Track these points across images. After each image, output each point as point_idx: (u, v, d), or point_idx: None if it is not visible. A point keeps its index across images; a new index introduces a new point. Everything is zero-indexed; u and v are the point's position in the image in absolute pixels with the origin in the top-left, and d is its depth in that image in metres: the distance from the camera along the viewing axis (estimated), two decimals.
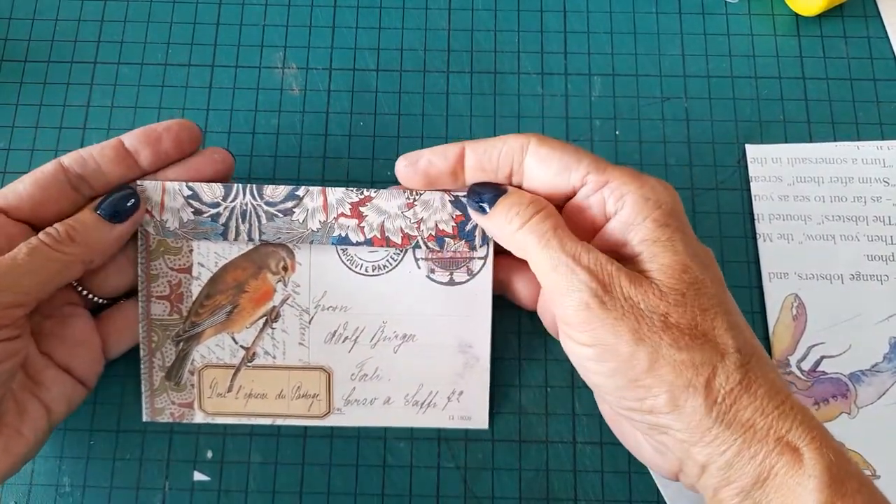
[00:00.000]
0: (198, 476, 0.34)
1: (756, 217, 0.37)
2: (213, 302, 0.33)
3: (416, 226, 0.32)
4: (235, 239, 0.32)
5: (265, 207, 0.32)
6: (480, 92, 0.40)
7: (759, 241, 0.37)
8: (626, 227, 0.28)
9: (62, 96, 0.39)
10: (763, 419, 0.25)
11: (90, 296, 0.32)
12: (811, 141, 0.39)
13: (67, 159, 0.31)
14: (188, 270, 0.33)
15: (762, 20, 0.41)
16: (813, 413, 0.26)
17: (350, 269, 0.33)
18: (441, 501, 0.34)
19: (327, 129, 0.39)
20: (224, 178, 0.33)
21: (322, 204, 0.32)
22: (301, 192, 0.32)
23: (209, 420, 0.34)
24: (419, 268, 0.33)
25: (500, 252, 0.32)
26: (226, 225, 0.32)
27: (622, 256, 0.28)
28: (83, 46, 0.40)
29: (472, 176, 0.31)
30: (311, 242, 0.32)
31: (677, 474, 0.28)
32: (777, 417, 0.25)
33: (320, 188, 0.32)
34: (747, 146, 0.39)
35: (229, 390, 0.33)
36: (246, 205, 0.32)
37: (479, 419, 0.34)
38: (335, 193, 0.32)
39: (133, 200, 0.31)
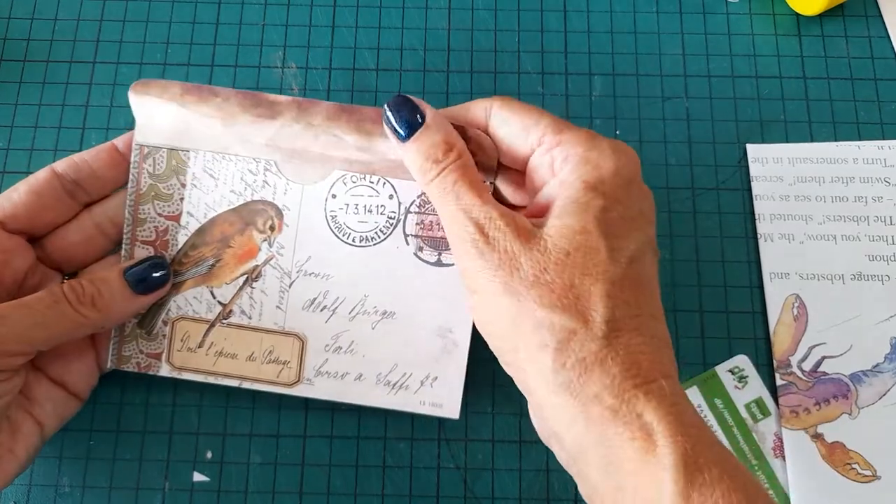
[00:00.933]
0: (197, 476, 0.34)
1: (757, 217, 0.37)
2: (197, 253, 0.33)
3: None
4: (229, 189, 0.32)
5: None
6: (481, 91, 0.40)
7: (760, 241, 0.37)
8: (560, 185, 0.27)
9: (61, 96, 0.39)
10: (613, 397, 0.24)
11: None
12: (812, 141, 0.39)
13: (61, 165, 0.31)
14: (177, 218, 0.33)
15: (763, 20, 0.41)
16: (681, 398, 0.25)
17: (337, 236, 0.32)
18: (441, 501, 0.34)
19: None
20: None
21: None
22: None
23: (174, 374, 0.33)
24: (407, 244, 0.32)
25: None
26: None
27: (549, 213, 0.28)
28: (82, 46, 0.40)
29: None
30: (304, 193, 0.32)
31: (548, 441, 0.28)
32: (631, 398, 0.24)
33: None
34: (748, 146, 0.39)
35: (200, 346, 0.33)
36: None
37: (450, 408, 0.33)
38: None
39: (162, 273, 0.31)
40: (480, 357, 0.35)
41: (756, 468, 0.34)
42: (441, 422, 0.35)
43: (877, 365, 0.35)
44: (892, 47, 0.40)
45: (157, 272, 0.31)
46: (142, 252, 0.32)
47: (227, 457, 0.34)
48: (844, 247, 0.37)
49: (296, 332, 0.33)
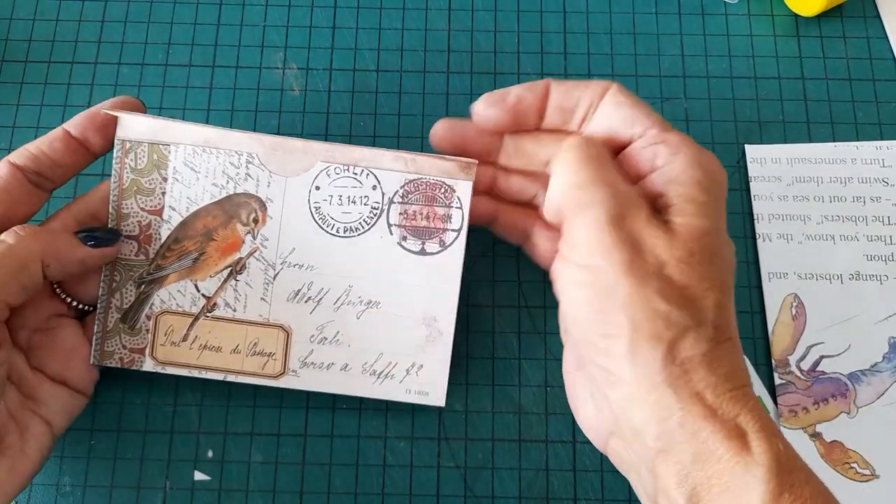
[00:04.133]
0: (198, 476, 0.34)
1: (755, 217, 0.37)
2: (180, 247, 0.33)
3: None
4: (211, 182, 0.32)
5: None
6: (480, 92, 0.39)
7: (759, 241, 0.37)
8: (668, 180, 0.28)
9: (63, 97, 0.39)
10: (714, 397, 0.25)
11: (74, 302, 0.32)
12: (810, 141, 0.39)
13: (18, 158, 0.30)
14: (159, 213, 0.33)
15: (761, 21, 0.41)
16: (760, 406, 0.26)
17: (321, 227, 0.33)
18: (441, 501, 0.34)
19: (328, 129, 0.39)
20: None
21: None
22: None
23: (158, 369, 0.33)
24: (391, 234, 0.33)
25: (523, 202, 0.33)
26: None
27: (655, 207, 0.28)
28: (84, 47, 0.40)
29: (551, 115, 0.31)
30: (287, 185, 0.32)
31: (607, 440, 0.28)
32: (729, 400, 0.25)
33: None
34: (747, 146, 0.39)
35: (184, 339, 0.33)
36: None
37: (436, 396, 0.33)
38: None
39: (113, 238, 0.31)
40: (480, 356, 0.36)
41: None
42: (441, 421, 0.35)
43: (875, 364, 0.35)
44: (891, 48, 0.41)
45: (108, 236, 0.31)
46: (126, 247, 0.33)
47: (228, 456, 0.34)
48: (843, 247, 0.37)
49: (280, 324, 0.33)
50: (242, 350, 0.33)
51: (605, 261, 0.26)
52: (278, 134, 0.39)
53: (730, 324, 0.27)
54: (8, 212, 0.30)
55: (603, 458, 0.34)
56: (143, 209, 0.33)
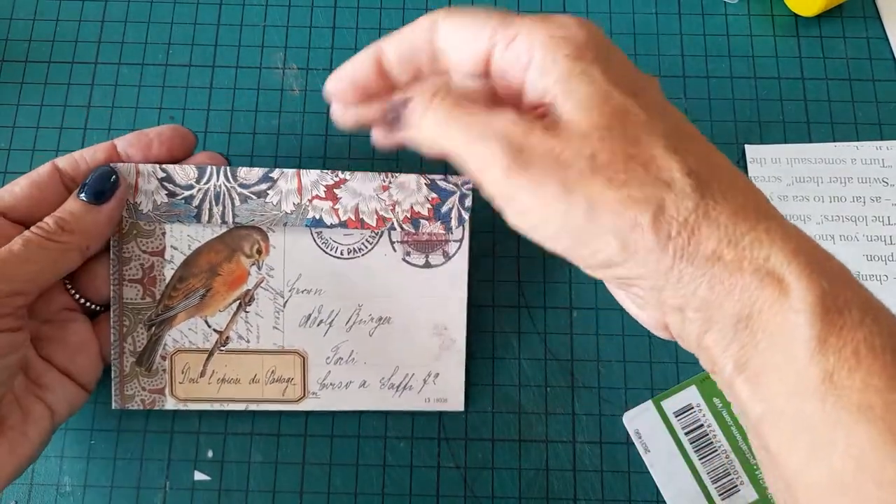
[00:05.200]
0: (198, 475, 0.34)
1: None
2: (186, 285, 0.33)
3: (391, 208, 0.32)
4: (209, 221, 0.32)
5: (238, 189, 0.32)
6: None
7: None
8: (541, 73, 0.25)
9: (63, 97, 0.39)
10: (731, 249, 0.22)
11: (86, 302, 0.33)
12: (810, 141, 0.39)
13: (62, 162, 0.31)
14: (161, 253, 0.33)
15: (761, 21, 0.41)
16: (800, 232, 0.23)
17: (325, 251, 0.33)
18: (441, 501, 0.34)
19: (328, 129, 0.39)
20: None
21: (297, 186, 0.32)
22: (275, 174, 0.32)
23: (180, 406, 0.33)
24: (395, 251, 0.33)
25: None
26: (199, 207, 0.32)
27: (546, 107, 0.25)
28: (84, 47, 0.40)
29: (398, 70, 0.28)
30: (286, 225, 0.32)
31: (666, 328, 0.25)
32: (750, 244, 0.22)
33: (294, 170, 0.32)
34: (746, 146, 0.39)
35: (202, 375, 0.33)
36: (220, 187, 0.32)
37: (455, 401, 0.34)
38: (309, 175, 0.32)
39: (113, 177, 0.31)
40: (480, 356, 0.36)
41: (755, 468, 0.34)
42: (441, 421, 0.35)
43: None
44: (890, 48, 0.41)
45: (109, 179, 0.31)
46: (131, 291, 0.33)
47: (228, 456, 0.34)
48: (842, 247, 0.37)
49: (296, 349, 0.33)
50: (261, 379, 0.33)
51: (545, 197, 0.23)
52: (278, 133, 0.39)
53: (701, 158, 0.24)
54: (35, 208, 0.30)
55: (603, 458, 0.34)
56: (144, 251, 0.33)
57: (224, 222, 0.32)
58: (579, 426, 0.35)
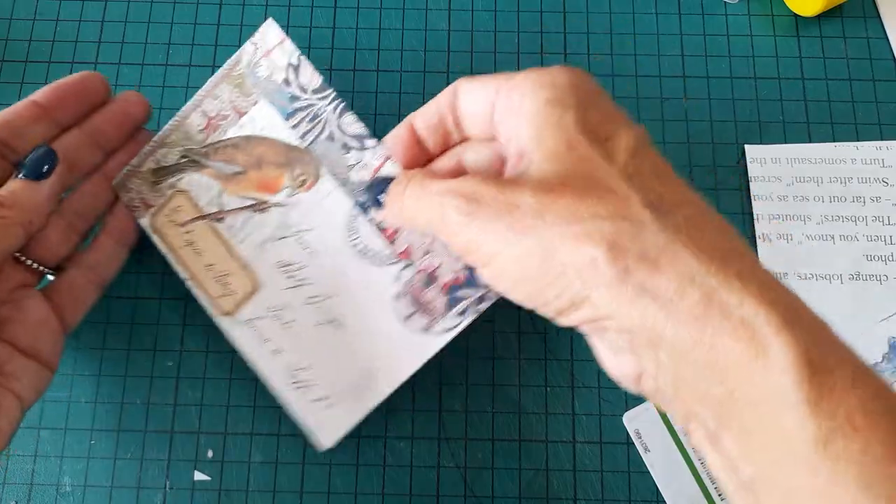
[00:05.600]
0: (198, 476, 0.34)
1: (755, 217, 0.37)
2: (232, 152, 0.33)
3: (429, 256, 0.31)
4: (293, 128, 0.32)
5: (335, 128, 0.32)
6: None
7: (759, 242, 0.37)
8: (521, 119, 0.25)
9: None
10: (695, 289, 0.20)
11: (38, 266, 0.32)
12: (810, 141, 0.39)
13: None
14: (240, 114, 0.33)
15: (761, 21, 0.41)
16: (778, 281, 0.21)
17: (347, 233, 0.32)
18: (441, 501, 0.34)
19: None
20: (140, 122, 0.35)
21: (375, 167, 0.31)
22: (369, 142, 0.31)
23: (148, 231, 0.34)
24: (400, 297, 0.31)
25: None
26: (295, 112, 0.32)
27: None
28: (84, 47, 0.40)
29: (429, 140, 0.29)
30: (342, 185, 0.32)
31: (641, 379, 0.24)
32: (719, 286, 0.20)
33: (385, 153, 0.30)
34: (746, 146, 0.39)
35: (182, 225, 0.34)
36: (323, 111, 0.32)
37: (323, 437, 0.32)
38: (389, 168, 0.30)
39: (52, 155, 0.31)
40: (480, 356, 0.36)
41: None
42: (441, 421, 0.35)
43: (875, 364, 0.35)
44: (891, 48, 0.41)
45: (47, 158, 0.31)
46: (197, 119, 0.34)
47: (228, 456, 0.34)
48: (842, 247, 0.37)
49: (255, 277, 0.33)
50: (214, 270, 0.33)
51: (498, 243, 0.23)
52: None
53: (663, 196, 0.22)
54: None
55: (602, 459, 0.34)
56: (230, 101, 0.33)
57: (301, 139, 0.32)
58: (579, 426, 0.35)
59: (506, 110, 0.26)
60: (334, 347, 0.32)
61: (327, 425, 0.32)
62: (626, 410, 0.35)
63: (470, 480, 0.34)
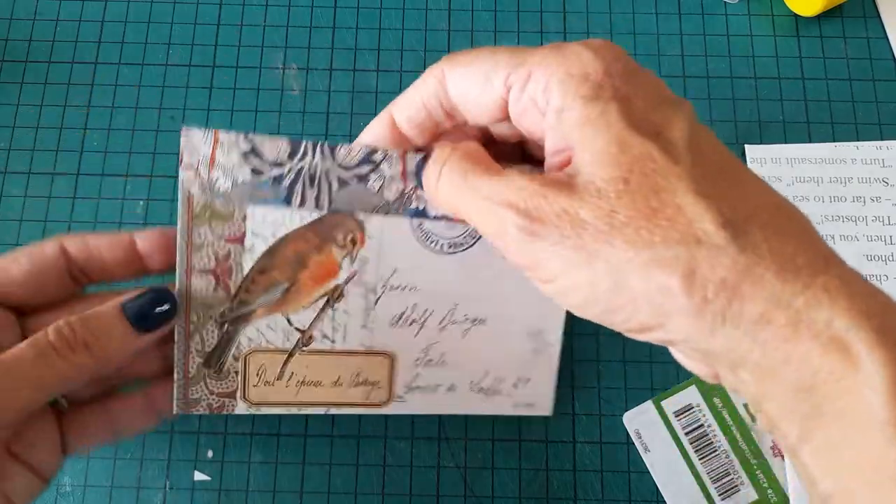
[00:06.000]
0: (198, 476, 0.34)
1: None
2: (266, 278, 0.29)
3: None
4: (301, 206, 0.28)
5: (338, 171, 0.27)
6: None
7: None
8: (558, 118, 0.23)
9: (63, 97, 0.39)
10: (783, 311, 0.19)
11: (63, 400, 0.29)
12: (810, 141, 0.39)
13: (72, 246, 0.27)
14: (240, 240, 0.28)
15: (761, 21, 0.41)
16: (870, 289, 0.20)
17: (425, 245, 0.29)
18: (441, 501, 0.34)
19: (328, 129, 0.39)
20: None
21: (400, 171, 0.27)
22: (378, 155, 0.27)
23: (252, 411, 0.30)
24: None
25: None
26: (290, 189, 0.27)
27: (569, 152, 0.23)
28: (84, 47, 0.40)
29: (412, 133, 0.27)
30: (387, 213, 0.28)
31: (719, 378, 0.23)
32: (806, 305, 0.19)
33: (399, 152, 0.27)
34: (747, 146, 0.39)
35: (279, 377, 0.30)
36: (315, 166, 0.27)
37: (542, 405, 0.32)
38: (415, 160, 0.27)
39: (167, 306, 0.27)
40: None
41: (755, 468, 0.34)
42: (441, 421, 0.35)
43: None
44: (891, 48, 0.41)
45: (160, 306, 0.27)
46: (201, 282, 0.28)
47: (228, 456, 0.34)
48: (843, 247, 0.37)
49: (385, 351, 0.30)
50: (345, 381, 0.30)
51: (565, 265, 0.22)
52: (278, 133, 0.39)
53: (738, 202, 0.21)
54: (32, 294, 0.27)
55: (603, 459, 0.34)
56: (219, 237, 0.28)
57: (318, 208, 0.28)
58: (579, 426, 0.35)
59: (528, 104, 0.23)
60: (490, 340, 0.30)
61: (537, 398, 0.31)
62: (626, 410, 0.35)
63: (470, 480, 0.34)
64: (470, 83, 0.25)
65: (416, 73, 0.40)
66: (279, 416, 0.35)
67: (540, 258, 0.22)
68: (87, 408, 0.29)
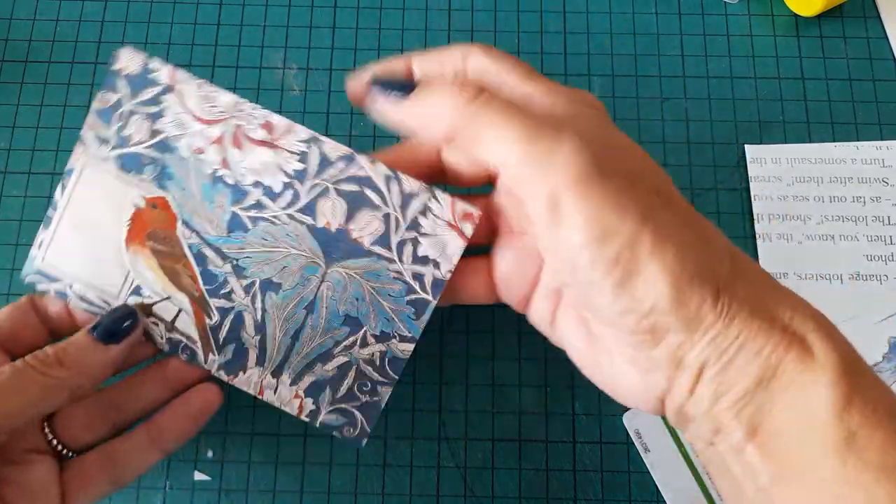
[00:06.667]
0: (198, 476, 0.34)
1: (755, 217, 0.37)
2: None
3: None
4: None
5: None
6: None
7: (759, 242, 0.37)
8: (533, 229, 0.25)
9: (63, 97, 0.39)
10: (762, 308, 0.22)
11: (59, 446, 0.29)
12: (810, 141, 0.39)
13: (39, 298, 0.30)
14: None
15: (761, 21, 0.41)
16: (804, 299, 0.24)
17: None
18: (441, 501, 0.34)
19: (328, 129, 0.39)
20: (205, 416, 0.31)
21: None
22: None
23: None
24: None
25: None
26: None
27: None
28: (84, 47, 0.40)
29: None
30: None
31: (663, 399, 0.24)
32: (776, 304, 0.23)
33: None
34: (747, 146, 0.39)
35: None
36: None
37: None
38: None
39: (131, 321, 0.28)
40: (480, 356, 0.36)
41: None
42: (441, 421, 0.35)
43: (875, 364, 0.35)
44: (891, 48, 0.41)
45: (125, 322, 0.28)
46: None
47: (228, 456, 0.34)
48: (843, 247, 0.37)
49: None
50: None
51: (617, 214, 0.22)
52: None
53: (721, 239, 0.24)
54: (14, 331, 0.29)
55: (603, 459, 0.34)
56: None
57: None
58: (579, 426, 0.35)
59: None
60: None
61: None
62: (626, 410, 0.35)
63: (470, 480, 0.34)
64: (490, 74, 0.27)
65: None
66: (279, 416, 0.35)
67: (591, 200, 0.22)
68: (89, 456, 0.30)
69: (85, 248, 0.29)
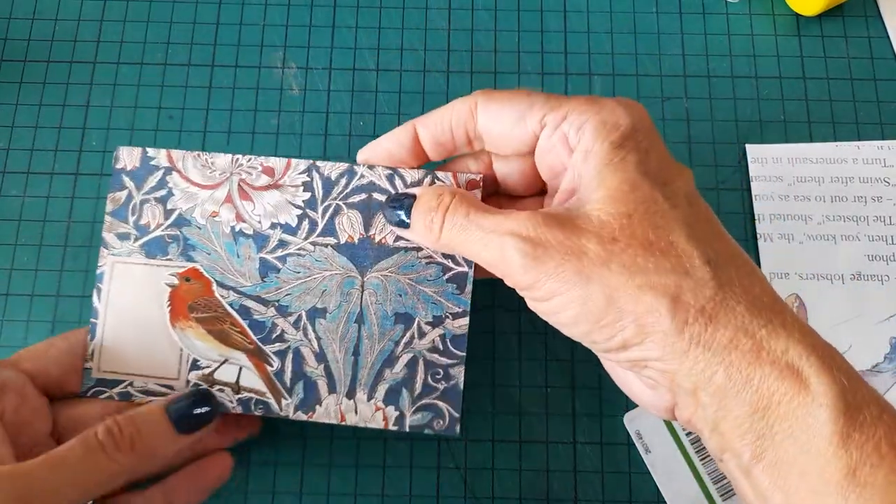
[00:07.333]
0: None
1: (756, 217, 0.37)
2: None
3: None
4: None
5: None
6: None
7: (760, 241, 0.37)
8: (585, 156, 0.26)
9: (62, 96, 0.39)
10: (748, 339, 0.23)
11: None
12: (812, 141, 0.39)
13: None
14: None
15: (762, 20, 0.41)
16: (813, 330, 0.24)
17: None
18: (441, 501, 0.34)
19: (327, 129, 0.39)
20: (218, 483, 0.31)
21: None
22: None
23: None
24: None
25: None
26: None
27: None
28: (83, 46, 0.40)
29: (431, 150, 0.30)
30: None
31: (673, 410, 0.26)
32: (767, 336, 0.23)
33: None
34: (748, 146, 0.39)
35: None
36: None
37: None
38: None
39: (207, 408, 0.28)
40: (480, 356, 0.36)
41: None
42: None
43: (876, 364, 0.35)
44: (892, 47, 0.40)
45: (200, 408, 0.28)
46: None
47: None
48: (844, 247, 0.37)
49: None
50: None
51: (564, 285, 0.24)
52: (277, 133, 0.39)
53: (721, 249, 0.25)
54: (64, 378, 0.29)
55: (603, 459, 0.34)
56: None
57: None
58: (580, 427, 0.35)
59: (558, 142, 0.27)
60: None
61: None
62: (627, 411, 0.35)
63: (470, 481, 0.34)
64: (504, 117, 0.28)
65: (416, 72, 0.40)
66: (277, 418, 0.35)
67: (539, 279, 0.25)
68: None
69: (134, 342, 0.30)
